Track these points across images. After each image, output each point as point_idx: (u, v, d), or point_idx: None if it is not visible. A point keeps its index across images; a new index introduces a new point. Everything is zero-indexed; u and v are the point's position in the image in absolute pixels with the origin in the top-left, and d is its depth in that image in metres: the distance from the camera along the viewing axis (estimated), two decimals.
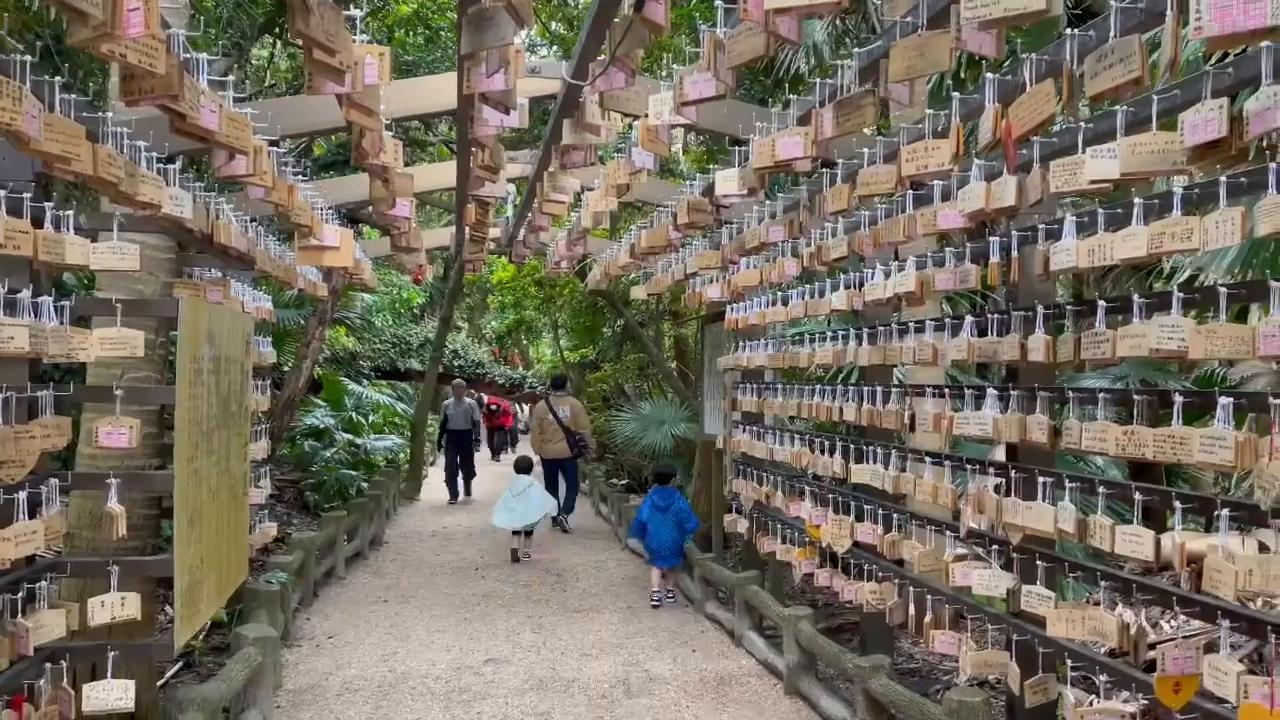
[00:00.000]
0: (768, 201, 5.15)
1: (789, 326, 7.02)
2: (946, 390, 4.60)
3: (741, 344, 7.39)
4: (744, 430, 7.42)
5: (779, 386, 6.86)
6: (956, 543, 4.53)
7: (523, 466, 10.52)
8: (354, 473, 12.67)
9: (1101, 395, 3.44)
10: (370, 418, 15.56)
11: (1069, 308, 3.72)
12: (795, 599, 7.26)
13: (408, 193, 4.56)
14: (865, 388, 5.43)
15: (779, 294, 6.51)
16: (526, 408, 28.53)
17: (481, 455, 21.44)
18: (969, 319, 4.32)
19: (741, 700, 5.71)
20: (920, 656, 6.38)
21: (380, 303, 19.40)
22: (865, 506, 5.34)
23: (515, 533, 10.03)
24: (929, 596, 4.63)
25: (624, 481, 14.72)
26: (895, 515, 5.06)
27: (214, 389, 4.60)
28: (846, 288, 5.41)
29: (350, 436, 13.65)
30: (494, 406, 23.31)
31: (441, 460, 15.28)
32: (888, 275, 4.81)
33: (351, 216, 8.78)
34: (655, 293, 8.26)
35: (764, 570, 7.29)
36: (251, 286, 6.42)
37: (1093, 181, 2.97)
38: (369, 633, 7.11)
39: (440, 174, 7.02)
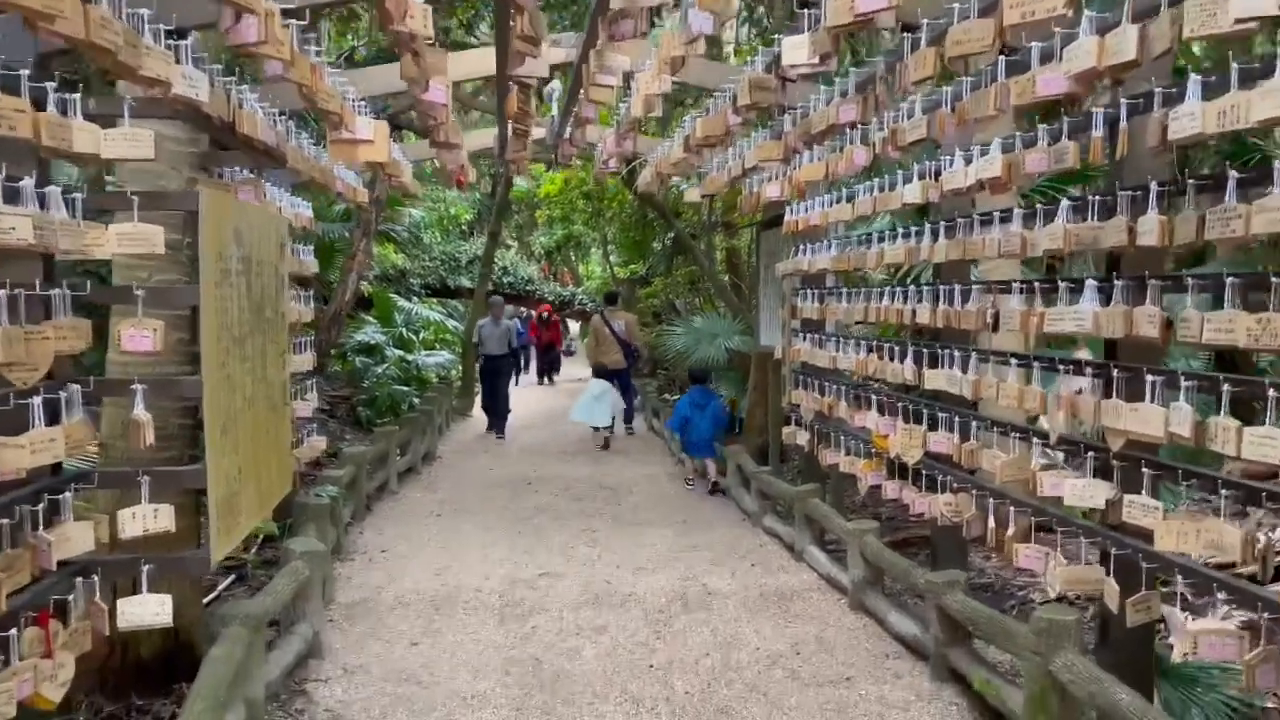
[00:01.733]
0: (837, 80, 4.67)
1: (853, 227, 6.56)
2: (1037, 285, 4.16)
3: (802, 247, 6.96)
4: (804, 339, 7.05)
5: (842, 291, 6.45)
6: (1044, 450, 4.16)
7: (601, 373, 11.93)
8: (405, 388, 12.60)
9: (1230, 280, 3.00)
10: (421, 334, 15.47)
11: (1190, 183, 3.24)
12: (856, 513, 6.96)
13: (441, 71, 4.16)
14: (942, 286, 5.01)
15: (843, 191, 6.05)
16: (576, 325, 28.26)
17: (527, 377, 20.83)
18: (1065, 202, 3.86)
19: (805, 615, 5.47)
20: (993, 572, 6.07)
21: (428, 219, 19.14)
22: (939, 414, 4.97)
23: (595, 429, 11.54)
24: (1011, 508, 4.28)
25: (676, 397, 14.46)
26: (974, 422, 4.70)
27: (244, 292, 4.34)
28: (920, 178, 4.96)
29: (401, 353, 13.56)
30: (545, 314, 20.81)
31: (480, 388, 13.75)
32: (969, 161, 4.34)
33: (392, 122, 8.45)
34: (709, 194, 7.82)
35: (824, 483, 7.00)
36: (289, 193, 6.14)
37: (1238, 21, 2.51)
38: (422, 547, 6.99)
39: (479, 60, 6.59)
